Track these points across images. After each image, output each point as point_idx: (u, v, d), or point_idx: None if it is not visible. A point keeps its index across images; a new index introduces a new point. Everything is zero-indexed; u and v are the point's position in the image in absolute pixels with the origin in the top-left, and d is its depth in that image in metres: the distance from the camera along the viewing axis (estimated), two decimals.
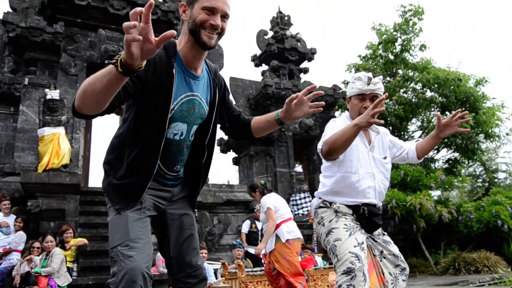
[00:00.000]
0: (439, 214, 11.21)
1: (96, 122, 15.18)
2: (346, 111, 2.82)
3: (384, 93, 2.53)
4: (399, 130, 14.72)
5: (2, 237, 7.09)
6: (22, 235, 7.30)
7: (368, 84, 2.59)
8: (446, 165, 15.74)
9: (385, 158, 2.73)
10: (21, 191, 8.42)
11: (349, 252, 2.34)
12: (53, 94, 8.52)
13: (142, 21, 1.34)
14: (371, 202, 2.58)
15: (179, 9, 1.92)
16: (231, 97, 2.30)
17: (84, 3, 9.97)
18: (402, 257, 2.63)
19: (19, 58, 10.31)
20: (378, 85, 2.61)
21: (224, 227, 10.93)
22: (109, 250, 1.78)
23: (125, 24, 1.30)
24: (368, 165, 2.60)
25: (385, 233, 2.73)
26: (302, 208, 11.60)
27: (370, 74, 2.62)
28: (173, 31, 1.37)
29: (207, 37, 1.82)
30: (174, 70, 1.83)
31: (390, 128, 14.20)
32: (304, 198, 11.76)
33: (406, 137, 15.91)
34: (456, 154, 15.44)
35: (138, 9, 1.32)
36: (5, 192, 7.99)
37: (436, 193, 13.37)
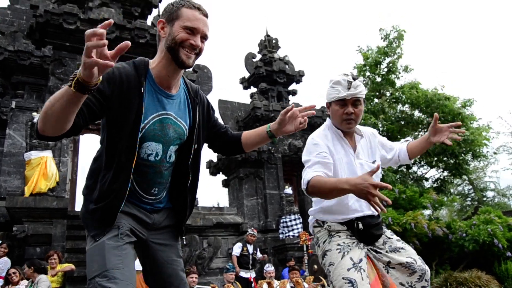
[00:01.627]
0: (432, 231, 11.24)
1: (84, 145, 15.05)
2: (328, 119, 2.65)
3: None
4: None
5: None
6: (6, 261, 7.12)
7: (349, 88, 2.43)
8: (436, 184, 15.85)
9: (374, 162, 2.57)
10: (6, 216, 8.26)
11: (342, 278, 2.23)
12: None
13: (97, 39, 1.33)
14: (364, 214, 2.45)
15: (157, 26, 1.90)
16: (216, 114, 2.25)
17: (73, 27, 10.00)
18: (418, 261, 2.43)
19: (7, 82, 10.25)
20: (359, 88, 2.45)
21: (214, 250, 10.79)
22: (88, 282, 1.71)
23: (89, 43, 1.31)
24: (356, 176, 2.32)
25: (394, 236, 2.55)
26: (293, 230, 11.52)
27: (350, 77, 2.45)
28: (127, 42, 1.36)
29: (186, 56, 1.81)
30: (143, 88, 1.80)
31: None
32: (295, 220, 11.69)
33: None
34: (445, 173, 15.58)
35: (98, 31, 1.31)
36: None
37: (426, 212, 13.41)
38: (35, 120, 8.32)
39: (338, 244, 2.38)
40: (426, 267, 2.44)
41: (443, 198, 14.29)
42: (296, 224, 11.63)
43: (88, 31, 1.31)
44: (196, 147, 2.02)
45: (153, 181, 1.93)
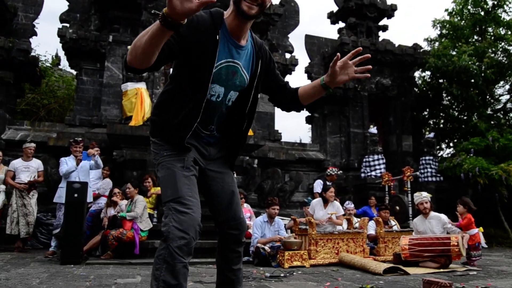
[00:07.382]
0: None
1: None
2: None
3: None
4: (484, 94, 13.74)
5: (93, 183, 7.66)
6: (109, 182, 7.91)
7: None
8: None
9: None
10: (107, 141, 9.05)
11: None
12: None
13: None
14: None
15: None
16: (277, 70, 2.37)
17: None
18: None
19: (104, 17, 10.82)
20: None
21: (295, 184, 11.08)
22: (163, 204, 1.98)
23: None
24: None
25: None
26: (375, 170, 11.40)
27: None
28: None
29: (247, 7, 1.91)
30: (218, 36, 1.95)
31: (477, 91, 13.24)
32: (378, 160, 11.53)
33: (492, 100, 14.86)
34: None
35: None
36: (94, 142, 8.54)
37: None
38: None
39: None
40: None
41: None
42: (379, 164, 11.49)
43: None
44: (254, 96, 2.20)
45: (212, 120, 2.15)
